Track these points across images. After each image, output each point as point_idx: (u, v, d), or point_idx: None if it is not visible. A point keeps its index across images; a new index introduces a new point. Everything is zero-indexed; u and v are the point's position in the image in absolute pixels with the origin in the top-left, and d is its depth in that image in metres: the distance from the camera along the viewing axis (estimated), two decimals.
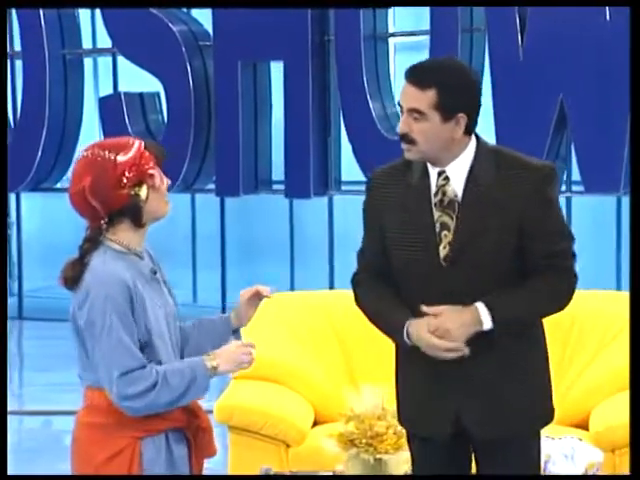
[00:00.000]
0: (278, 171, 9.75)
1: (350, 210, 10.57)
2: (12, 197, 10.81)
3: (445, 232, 3.07)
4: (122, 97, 10.12)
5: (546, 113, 8.20)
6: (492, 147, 3.18)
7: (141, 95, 10.22)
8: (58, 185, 10.82)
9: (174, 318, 3.13)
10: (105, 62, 10.89)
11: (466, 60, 8.70)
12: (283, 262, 10.22)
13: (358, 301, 3.33)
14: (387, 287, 3.22)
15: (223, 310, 10.06)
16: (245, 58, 9.60)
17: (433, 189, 3.10)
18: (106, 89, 10.74)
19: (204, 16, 9.93)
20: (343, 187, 9.73)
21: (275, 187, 9.85)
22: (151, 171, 2.99)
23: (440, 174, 3.09)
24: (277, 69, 9.62)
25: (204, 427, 3.15)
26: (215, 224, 10.52)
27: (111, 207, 2.96)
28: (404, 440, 3.99)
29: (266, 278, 10.14)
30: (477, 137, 3.13)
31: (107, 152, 2.95)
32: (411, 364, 3.21)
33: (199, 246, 10.77)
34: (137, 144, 2.99)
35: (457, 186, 3.08)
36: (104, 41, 10.45)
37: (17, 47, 10.49)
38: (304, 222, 10.34)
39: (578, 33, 8.03)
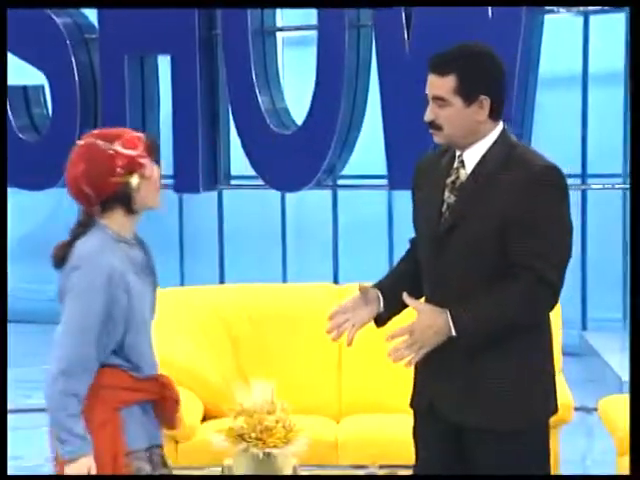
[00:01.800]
0: (167, 166, 9.68)
1: (239, 204, 10.61)
2: None
3: (447, 212, 3.17)
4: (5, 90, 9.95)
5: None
6: (513, 140, 3.20)
7: (25, 88, 10.07)
8: None
9: (151, 310, 3.25)
10: None
11: (353, 56, 8.78)
12: (173, 257, 10.17)
13: None
14: (406, 261, 3.40)
15: None
16: (132, 52, 9.51)
17: (452, 171, 3.21)
18: None
19: (90, 9, 9.80)
20: (232, 182, 9.72)
21: (164, 182, 9.76)
22: (142, 160, 3.10)
23: (459, 157, 3.19)
24: (164, 63, 9.55)
25: (175, 399, 3.25)
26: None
27: (103, 194, 3.09)
28: (293, 434, 4.03)
29: None
30: (504, 129, 3.18)
31: (101, 141, 3.10)
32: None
33: None
34: (130, 135, 3.12)
35: (469, 170, 3.18)
36: None
37: None
38: (193, 217, 10.31)
39: (461, 29, 8.14)
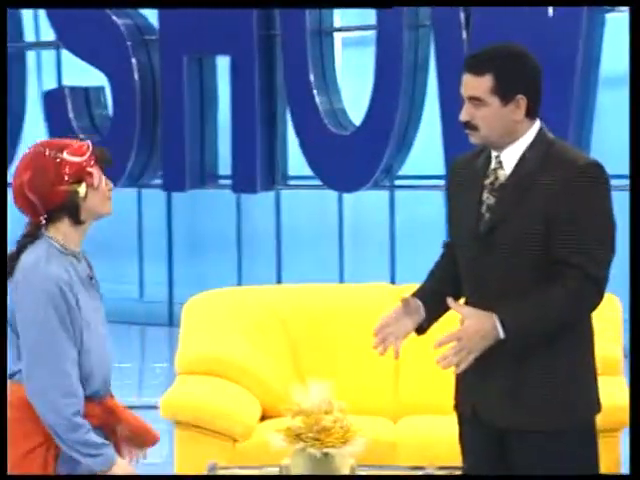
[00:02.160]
0: (225, 166, 9.73)
1: (296, 205, 10.62)
2: None
3: (488, 213, 3.14)
4: (66, 91, 10.06)
5: None
6: (550, 138, 3.18)
7: (86, 89, 10.15)
8: None
9: (103, 323, 3.18)
10: (49, 55, 10.79)
11: (411, 56, 8.75)
12: (230, 257, 10.22)
13: None
14: (443, 265, 3.38)
15: (170, 305, 10.04)
16: (191, 53, 9.57)
17: (489, 172, 3.18)
18: (50, 83, 10.64)
19: (149, 10, 9.87)
20: (290, 182, 9.74)
21: (222, 182, 9.83)
22: (90, 169, 3.04)
23: (496, 157, 3.16)
24: (224, 63, 9.59)
25: (124, 422, 3.17)
26: (162, 219, 10.48)
27: (49, 203, 3.02)
28: (350, 434, 4.02)
29: (213, 273, 10.13)
30: (541, 127, 3.17)
31: (49, 149, 3.03)
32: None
33: (146, 241, 10.71)
34: (79, 144, 3.06)
35: (508, 171, 3.15)
36: (48, 33, 10.36)
37: None
38: (251, 217, 10.34)
39: (520, 29, 8.09)
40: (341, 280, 9.49)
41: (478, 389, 3.18)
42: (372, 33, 8.94)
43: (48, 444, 3.02)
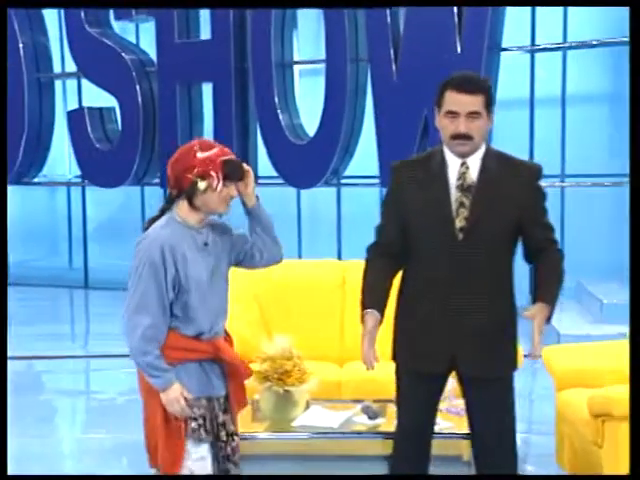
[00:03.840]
0: None
1: (265, 198, 10.53)
2: None
3: (462, 209, 3.03)
4: (85, 111, 9.97)
5: (414, 124, 8.26)
6: (495, 149, 3.15)
7: (100, 109, 10.06)
8: (35, 180, 10.65)
9: (219, 273, 3.08)
10: (72, 83, 10.67)
11: (353, 83, 8.73)
12: None
13: (364, 271, 3.21)
14: (386, 267, 3.15)
15: None
16: (182, 81, 9.50)
17: (453, 175, 3.05)
18: (73, 104, 10.54)
19: (150, 47, 9.78)
20: (259, 181, 9.68)
21: None
22: (213, 173, 2.97)
23: (462, 164, 3.06)
24: (208, 89, 9.51)
25: (228, 361, 3.09)
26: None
27: (178, 183, 3.00)
28: (306, 375, 4.02)
29: None
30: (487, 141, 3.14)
31: (197, 145, 3.00)
32: (410, 318, 3.14)
33: None
34: (216, 154, 2.99)
35: (473, 174, 3.06)
36: (71, 66, 10.25)
37: None
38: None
39: (436, 61, 8.11)
40: (299, 256, 9.48)
41: (455, 345, 3.08)
42: (322, 65, 8.90)
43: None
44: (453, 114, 3.01)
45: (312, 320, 4.97)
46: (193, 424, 3.00)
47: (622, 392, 3.60)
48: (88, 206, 10.71)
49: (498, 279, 3.07)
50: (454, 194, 3.04)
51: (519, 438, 4.98)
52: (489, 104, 3.04)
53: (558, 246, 3.15)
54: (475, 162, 3.07)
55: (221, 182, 2.99)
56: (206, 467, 3.02)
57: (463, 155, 3.06)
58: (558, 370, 4.27)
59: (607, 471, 3.65)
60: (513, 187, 3.05)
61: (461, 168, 3.07)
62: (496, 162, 3.08)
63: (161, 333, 2.95)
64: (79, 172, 10.30)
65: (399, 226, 3.12)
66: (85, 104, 10.27)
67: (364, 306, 3.12)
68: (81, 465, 4.78)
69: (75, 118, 10.00)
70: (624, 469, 3.53)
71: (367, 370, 3.14)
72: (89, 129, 9.86)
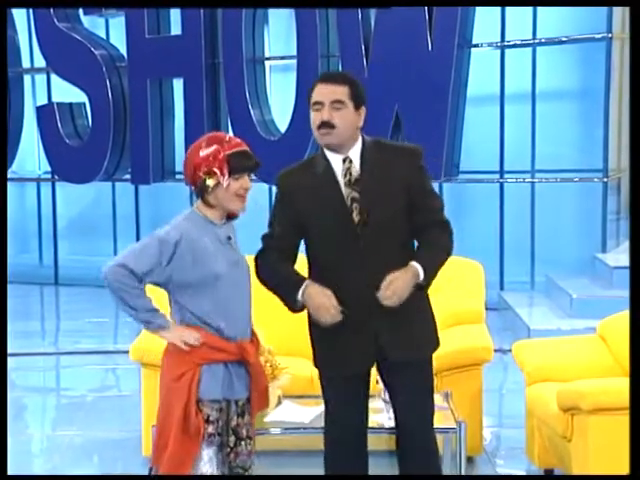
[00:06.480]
0: (181, 164, 9.60)
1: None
2: None
3: (355, 204, 3.04)
4: (55, 106, 9.88)
5: (386, 118, 8.27)
6: (371, 138, 3.16)
7: (70, 105, 9.97)
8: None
9: (241, 268, 3.07)
10: (41, 78, 10.57)
11: None
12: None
13: (258, 270, 3.22)
14: (286, 262, 3.16)
15: None
16: (153, 76, 9.45)
17: (340, 173, 3.07)
18: (42, 100, 10.44)
19: (120, 42, 9.71)
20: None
21: (178, 177, 9.73)
22: (216, 169, 2.95)
23: (344, 160, 3.07)
24: (179, 84, 9.47)
25: (252, 363, 3.06)
26: (131, 206, 10.34)
27: (191, 181, 3.01)
28: (278, 371, 4.00)
29: None
30: (362, 135, 3.14)
31: (205, 142, 2.98)
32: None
33: (118, 224, 10.56)
34: (217, 147, 2.97)
35: (357, 167, 3.08)
36: (40, 61, 10.16)
37: None
38: None
39: (407, 58, 8.11)
40: None
41: (378, 335, 3.08)
42: (294, 61, 8.89)
43: (194, 370, 2.95)
44: (318, 105, 3.04)
45: (283, 314, 4.96)
46: (210, 428, 2.96)
47: (591, 386, 3.63)
48: (58, 202, 10.63)
49: (404, 264, 3.03)
50: (345, 191, 3.06)
51: (489, 432, 5.03)
52: (356, 97, 3.06)
53: (446, 227, 3.13)
54: (356, 155, 3.09)
55: (226, 177, 2.96)
56: (211, 470, 2.99)
57: (331, 147, 3.07)
58: (528, 365, 4.30)
59: (576, 464, 3.67)
60: (396, 170, 3.07)
61: (344, 164, 3.09)
62: (375, 150, 3.10)
63: (132, 281, 2.95)
64: (49, 168, 10.22)
65: (293, 228, 3.14)
66: (55, 99, 10.18)
67: (296, 284, 3.09)
68: (51, 463, 4.75)
69: (44, 113, 9.91)
70: (593, 462, 3.56)
71: (335, 318, 3.04)
72: (59, 124, 9.78)
